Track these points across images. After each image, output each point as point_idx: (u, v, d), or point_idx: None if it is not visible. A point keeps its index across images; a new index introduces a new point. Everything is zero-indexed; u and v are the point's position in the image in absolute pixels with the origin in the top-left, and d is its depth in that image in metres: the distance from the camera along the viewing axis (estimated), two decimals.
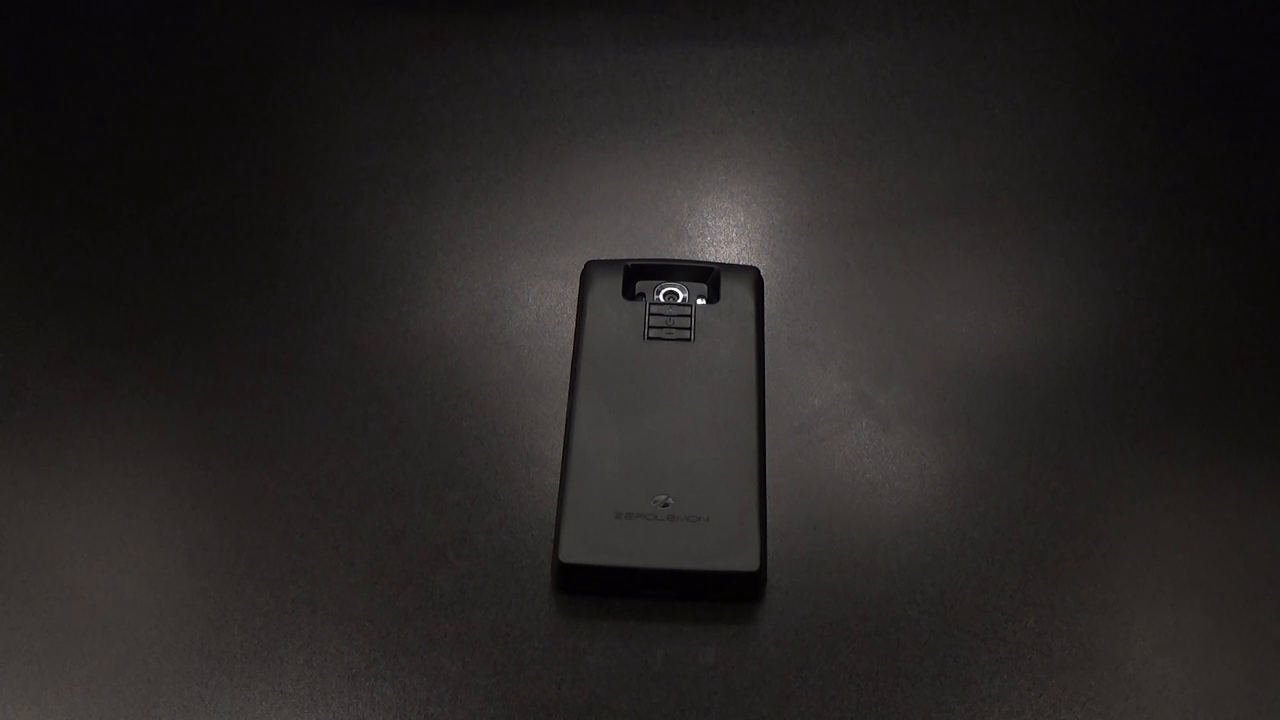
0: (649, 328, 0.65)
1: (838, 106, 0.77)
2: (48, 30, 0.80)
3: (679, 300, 0.66)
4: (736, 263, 0.69)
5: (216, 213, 0.71)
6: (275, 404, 0.64)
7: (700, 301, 0.66)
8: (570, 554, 0.57)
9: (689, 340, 0.64)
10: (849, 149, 0.75)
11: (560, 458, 0.61)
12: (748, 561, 0.57)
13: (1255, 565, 0.59)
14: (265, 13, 0.81)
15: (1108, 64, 0.79)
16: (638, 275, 0.67)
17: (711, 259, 0.70)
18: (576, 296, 0.67)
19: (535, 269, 0.69)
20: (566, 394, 0.63)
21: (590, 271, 0.67)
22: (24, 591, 0.58)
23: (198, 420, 0.63)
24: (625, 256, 0.68)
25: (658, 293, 0.66)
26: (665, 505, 0.58)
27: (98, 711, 0.55)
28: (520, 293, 0.68)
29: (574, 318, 0.66)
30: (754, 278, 0.67)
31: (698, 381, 0.63)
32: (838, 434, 0.63)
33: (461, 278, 0.69)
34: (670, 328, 0.65)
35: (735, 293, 0.66)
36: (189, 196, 0.72)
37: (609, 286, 0.66)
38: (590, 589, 0.58)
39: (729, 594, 0.58)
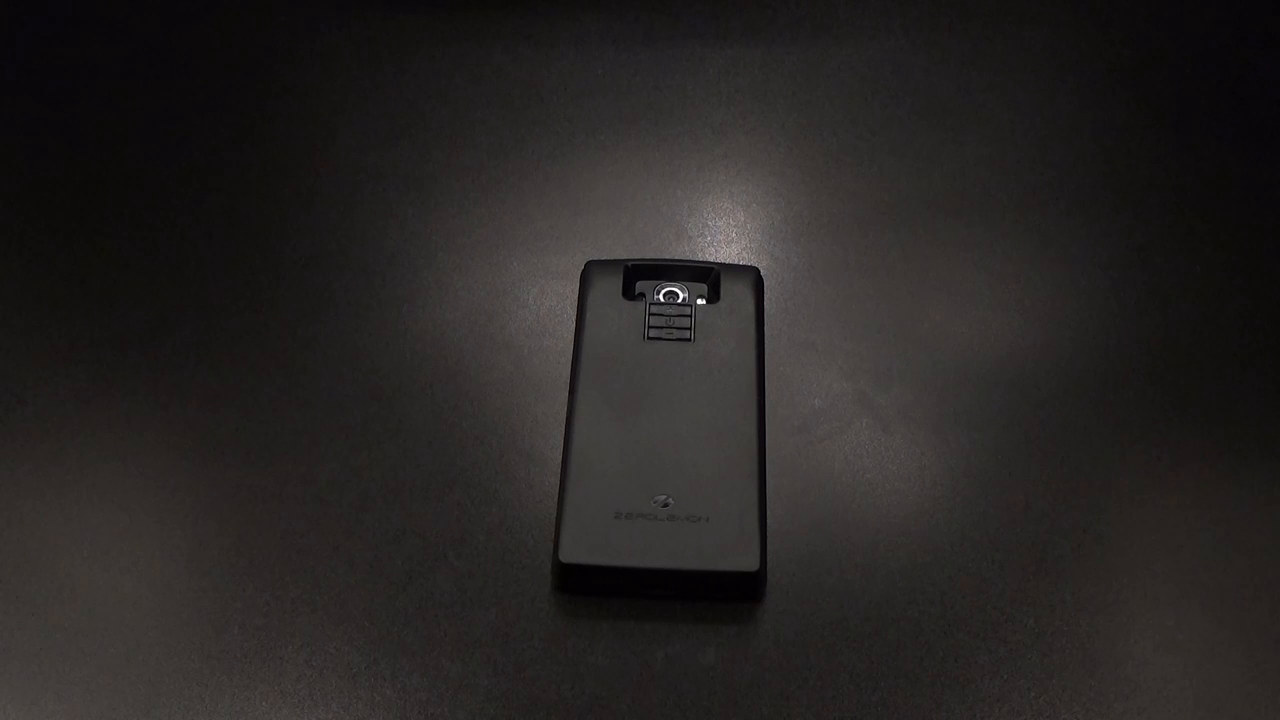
0: (649, 328, 0.65)
1: (838, 106, 0.77)
2: (48, 30, 0.80)
3: (679, 300, 0.66)
4: (736, 263, 0.69)
5: (217, 213, 0.71)
6: (275, 404, 0.64)
7: (700, 301, 0.66)
8: (570, 554, 0.57)
9: (689, 340, 0.64)
10: (849, 149, 0.75)
11: (560, 458, 0.61)
12: (748, 561, 0.57)
13: (1255, 565, 0.59)
14: (265, 13, 0.81)
15: (1108, 64, 0.79)
16: (638, 275, 0.67)
17: (711, 259, 0.70)
18: (576, 296, 0.67)
19: (535, 269, 0.69)
20: (566, 394, 0.63)
21: (590, 271, 0.67)
22: (24, 591, 0.58)
23: (198, 420, 0.63)
24: (625, 256, 0.68)
25: (658, 293, 0.66)
26: (665, 505, 0.58)
27: (98, 711, 0.55)
28: (520, 293, 0.68)
29: (574, 318, 0.66)
30: (754, 278, 0.67)
31: (698, 381, 0.63)
32: (838, 434, 0.63)
33: (461, 278, 0.69)
34: (670, 328, 0.65)
35: (735, 293, 0.66)
36: (189, 197, 0.72)
37: (609, 286, 0.66)
38: (590, 589, 0.58)
39: (729, 594, 0.58)
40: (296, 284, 0.68)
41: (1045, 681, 0.56)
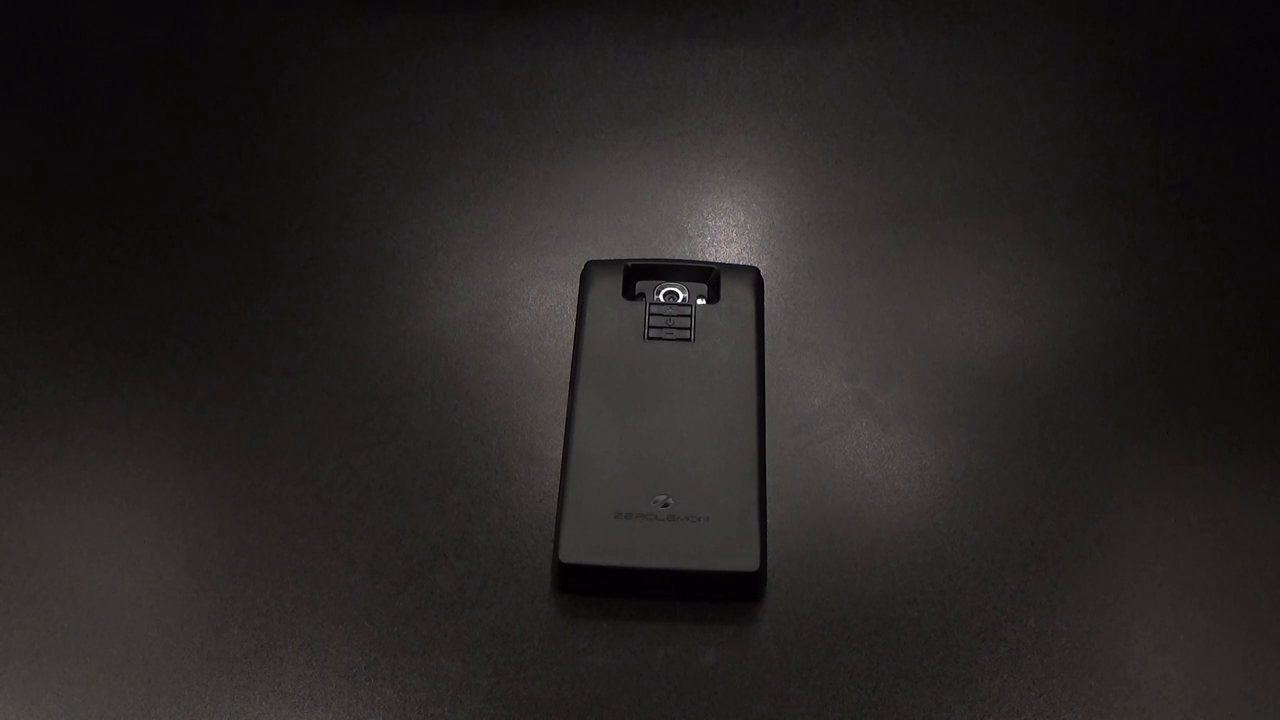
0: (649, 328, 0.65)
1: (838, 106, 0.77)
2: (48, 30, 0.80)
3: (679, 300, 0.66)
4: (736, 263, 0.69)
5: (216, 213, 0.71)
6: (275, 404, 0.64)
7: (700, 301, 0.66)
8: (570, 554, 0.57)
9: (689, 340, 0.64)
10: (849, 149, 0.75)
11: (560, 458, 0.61)
12: (748, 561, 0.57)
13: (1255, 565, 0.59)
14: (265, 12, 0.81)
15: (1108, 64, 0.79)
16: (638, 275, 0.67)
17: (711, 259, 0.70)
18: (576, 296, 0.67)
19: (535, 269, 0.69)
20: (566, 394, 0.63)
21: (590, 271, 0.67)
22: (24, 591, 0.58)
23: (198, 420, 0.63)
24: (625, 256, 0.68)
25: (658, 293, 0.66)
26: (665, 505, 0.58)
27: (98, 711, 0.55)
28: (520, 293, 0.68)
29: (574, 318, 0.66)
30: (754, 278, 0.67)
31: (698, 381, 0.63)
32: (838, 434, 0.63)
33: (461, 278, 0.69)
34: (670, 328, 0.65)
35: (735, 293, 0.66)
36: (189, 196, 0.72)
37: (609, 286, 0.66)
38: (590, 589, 0.58)
39: (729, 594, 0.58)
40: (296, 284, 0.68)
41: (1045, 681, 0.56)
